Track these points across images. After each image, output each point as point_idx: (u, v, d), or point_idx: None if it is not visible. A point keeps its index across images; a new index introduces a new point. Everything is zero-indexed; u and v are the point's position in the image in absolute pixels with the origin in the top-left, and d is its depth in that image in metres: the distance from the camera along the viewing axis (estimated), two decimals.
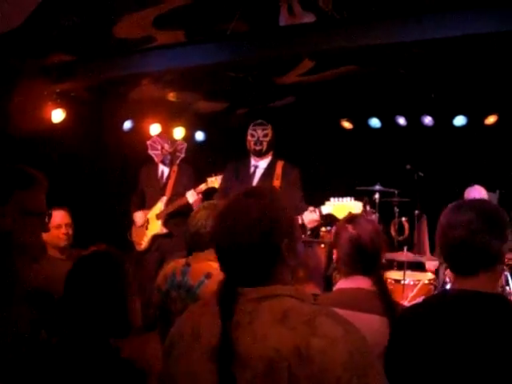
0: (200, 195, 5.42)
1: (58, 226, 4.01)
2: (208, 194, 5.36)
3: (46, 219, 2.08)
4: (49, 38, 4.61)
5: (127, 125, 6.74)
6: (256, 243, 1.42)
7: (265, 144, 4.80)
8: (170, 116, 6.75)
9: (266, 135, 4.80)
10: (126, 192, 6.11)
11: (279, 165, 4.83)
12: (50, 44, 4.76)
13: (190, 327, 1.49)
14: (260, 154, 4.83)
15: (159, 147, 5.89)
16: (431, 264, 5.66)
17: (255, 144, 4.80)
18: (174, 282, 2.73)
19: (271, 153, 4.91)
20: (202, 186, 5.46)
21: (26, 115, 5.21)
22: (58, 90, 5.58)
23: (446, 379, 1.74)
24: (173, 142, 6.07)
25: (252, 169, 4.88)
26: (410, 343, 1.86)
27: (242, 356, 1.34)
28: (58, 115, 5.76)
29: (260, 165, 4.87)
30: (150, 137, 6.17)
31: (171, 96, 6.53)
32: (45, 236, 3.76)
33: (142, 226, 5.79)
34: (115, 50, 4.94)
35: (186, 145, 6.06)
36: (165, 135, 6.18)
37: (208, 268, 2.69)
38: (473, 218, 1.79)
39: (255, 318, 1.37)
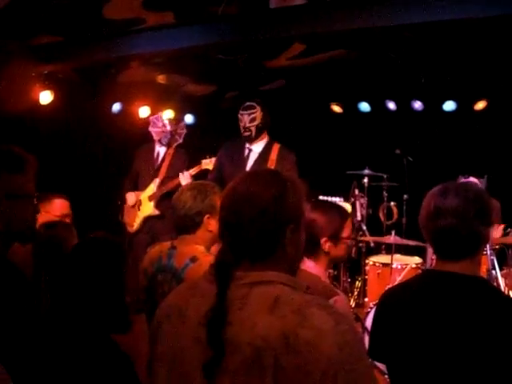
0: (192, 177, 5.41)
1: (62, 216, 3.99)
2: (201, 176, 5.34)
3: (35, 201, 2.06)
4: (37, 19, 4.56)
5: (116, 107, 6.71)
6: (263, 220, 1.40)
7: (253, 129, 4.64)
8: (160, 99, 6.72)
9: (253, 120, 4.62)
10: (114, 174, 6.08)
11: (275, 149, 4.70)
12: (37, 25, 4.71)
13: (177, 308, 1.47)
14: (249, 139, 4.69)
15: (160, 125, 5.85)
16: None
17: (244, 130, 4.66)
18: (160, 264, 2.73)
19: (265, 135, 4.76)
20: (196, 168, 5.44)
21: (13, 97, 5.16)
22: (46, 72, 5.54)
23: (426, 358, 1.77)
24: (175, 123, 6.02)
25: (246, 151, 4.77)
26: (392, 324, 1.89)
27: (231, 341, 1.32)
28: (46, 97, 5.72)
29: (254, 148, 4.75)
30: (139, 119, 6.15)
31: (161, 78, 6.49)
32: (40, 221, 3.76)
33: (134, 206, 5.77)
34: (104, 32, 4.90)
35: (185, 131, 6.02)
36: (168, 115, 6.11)
37: (194, 251, 2.69)
38: (460, 205, 1.79)
39: (246, 303, 1.35)
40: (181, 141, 5.91)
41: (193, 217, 2.75)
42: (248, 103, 4.70)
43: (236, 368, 1.31)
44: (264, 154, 4.71)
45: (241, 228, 1.41)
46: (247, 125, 4.63)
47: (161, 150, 5.85)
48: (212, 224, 2.78)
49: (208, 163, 5.36)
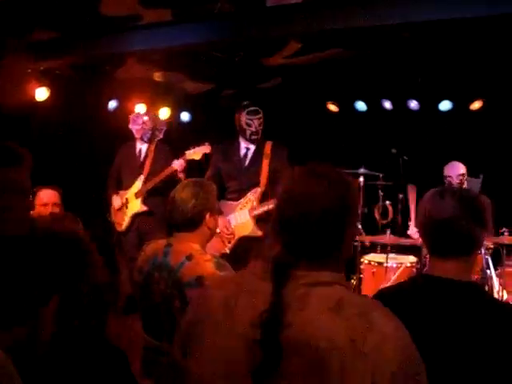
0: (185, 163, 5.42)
1: (45, 205, 3.99)
2: (189, 169, 5.35)
3: (30, 197, 2.06)
4: (33, 15, 4.55)
5: (112, 104, 6.70)
6: (326, 220, 1.37)
7: (260, 132, 4.84)
8: (156, 96, 6.71)
9: (260, 124, 4.82)
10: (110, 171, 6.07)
11: (268, 145, 4.88)
12: (34, 21, 4.70)
13: (224, 305, 1.41)
14: (256, 142, 4.86)
15: (140, 122, 5.87)
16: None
17: (252, 134, 4.81)
18: (156, 263, 2.70)
19: None
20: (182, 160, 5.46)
21: (9, 93, 5.15)
22: (42, 68, 5.53)
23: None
24: (154, 118, 6.05)
25: (243, 150, 4.90)
26: None
27: (290, 342, 1.27)
28: (42, 93, 5.71)
29: (251, 147, 4.90)
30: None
31: (157, 76, 6.49)
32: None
33: (121, 208, 5.78)
34: (101, 28, 4.89)
35: (165, 128, 6.04)
36: (148, 111, 6.14)
37: (189, 249, 2.67)
38: (457, 206, 1.84)
39: (307, 304, 1.30)
40: (161, 136, 5.94)
41: (194, 215, 2.72)
42: (253, 108, 4.85)
43: (294, 371, 1.26)
44: (259, 150, 4.87)
45: (303, 227, 1.37)
46: (257, 128, 4.81)
47: (143, 147, 5.88)
48: (211, 222, 2.78)
49: (192, 154, 5.38)
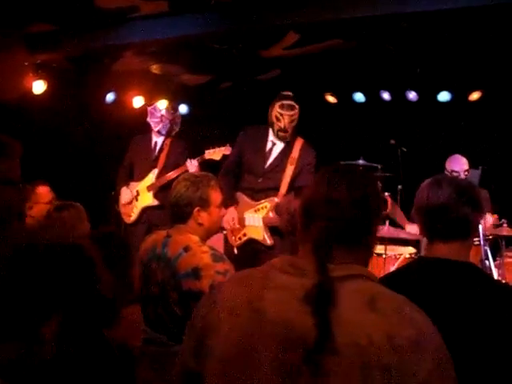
0: (198, 165, 5.38)
1: (49, 203, 4.00)
2: (206, 166, 5.31)
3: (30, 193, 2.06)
4: (29, 8, 4.53)
5: (110, 97, 6.68)
6: (362, 203, 1.39)
7: (290, 130, 4.56)
8: (154, 88, 6.68)
9: (292, 121, 4.54)
10: (108, 164, 6.06)
11: (297, 145, 4.61)
12: (30, 14, 4.68)
13: (246, 301, 1.35)
14: (284, 140, 4.60)
15: (159, 115, 5.83)
16: (413, 228, 5.66)
17: (280, 130, 4.53)
18: (155, 253, 2.72)
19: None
20: (199, 158, 5.43)
21: (6, 86, 5.13)
22: (39, 61, 5.51)
23: None
24: (172, 112, 6.00)
25: (269, 144, 4.68)
26: None
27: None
28: (39, 86, 5.70)
29: (278, 143, 4.67)
30: (132, 109, 6.11)
31: (154, 68, 6.46)
32: (35, 211, 3.76)
33: (130, 203, 5.73)
34: (98, 20, 4.87)
35: (180, 119, 6.02)
36: (166, 104, 6.09)
37: (187, 241, 2.68)
38: (453, 192, 1.91)
39: (340, 298, 1.26)
40: (177, 129, 5.90)
41: (182, 207, 2.74)
42: (288, 102, 4.58)
43: (335, 369, 1.22)
44: (286, 149, 4.65)
45: (342, 205, 1.37)
46: (287, 126, 4.52)
47: (158, 140, 5.81)
48: (202, 217, 2.76)
49: (211, 153, 5.35)
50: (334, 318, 1.24)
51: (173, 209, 2.79)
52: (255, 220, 4.63)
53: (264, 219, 4.59)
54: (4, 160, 1.96)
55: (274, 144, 4.67)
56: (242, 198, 4.69)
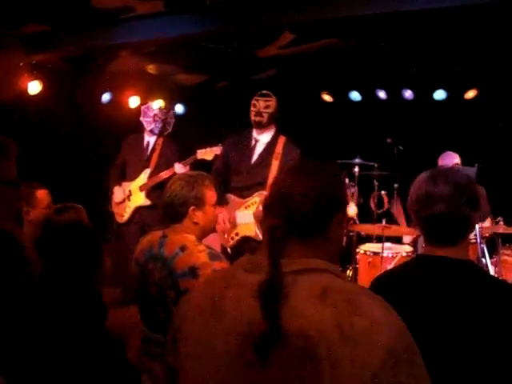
0: (188, 167, 5.38)
1: (47, 207, 4.01)
2: (197, 166, 5.31)
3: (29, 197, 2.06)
4: (24, 8, 4.52)
5: (106, 97, 6.67)
6: (317, 196, 1.40)
7: (265, 116, 4.64)
8: (150, 88, 6.68)
9: (267, 107, 4.65)
10: (104, 164, 6.05)
11: (280, 141, 4.70)
12: (25, 14, 4.67)
13: (210, 300, 1.41)
14: (260, 126, 4.68)
15: (152, 114, 5.83)
16: (407, 238, 5.72)
17: (255, 115, 4.64)
18: (151, 253, 2.72)
19: (273, 126, 4.76)
20: (190, 159, 5.43)
21: (1, 87, 5.12)
22: (34, 62, 5.50)
23: (421, 343, 1.77)
24: (165, 111, 6.00)
25: (253, 142, 4.75)
26: None
27: (280, 333, 1.26)
28: (34, 87, 5.68)
29: (261, 139, 4.73)
30: (128, 109, 6.10)
31: (150, 68, 6.46)
32: (33, 216, 3.76)
33: (123, 202, 5.74)
34: (93, 21, 4.86)
35: (173, 120, 6.02)
36: (158, 104, 6.09)
37: (184, 240, 2.68)
38: (452, 192, 1.84)
39: (292, 292, 1.29)
40: (170, 129, 5.90)
41: (178, 207, 2.75)
42: (264, 91, 4.73)
43: (287, 361, 1.25)
44: (270, 146, 4.70)
45: (294, 200, 1.39)
46: (261, 110, 4.64)
47: (151, 140, 5.81)
48: (198, 216, 2.76)
49: (204, 153, 5.35)
50: (285, 311, 1.26)
51: (168, 209, 2.79)
52: (246, 217, 4.66)
53: (255, 214, 4.62)
54: (2, 160, 1.97)
55: (257, 141, 4.73)
56: (232, 198, 4.71)
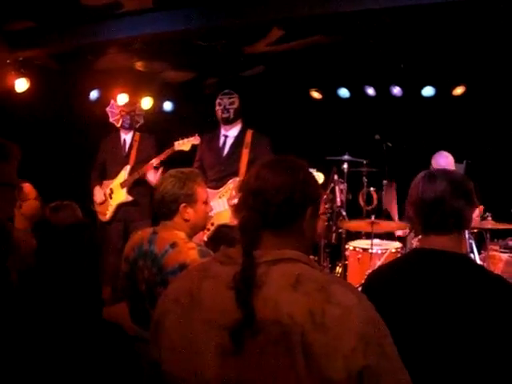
0: (160, 170, 5.37)
1: (36, 198, 4.01)
2: (177, 159, 5.30)
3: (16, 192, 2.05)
4: (10, 4, 4.48)
5: (94, 94, 6.64)
6: (289, 190, 1.44)
7: (231, 111, 4.91)
8: (138, 85, 6.65)
9: (232, 103, 4.92)
10: (92, 162, 6.03)
11: (248, 134, 4.91)
12: (12, 10, 4.63)
13: (188, 292, 1.45)
14: (227, 122, 4.92)
15: (117, 111, 5.86)
16: (400, 232, 5.73)
17: (222, 112, 4.91)
18: (141, 250, 2.72)
19: (240, 121, 4.99)
20: (167, 152, 5.46)
21: None
22: (21, 59, 5.45)
23: (416, 336, 1.82)
24: (130, 104, 6.03)
25: (222, 139, 4.96)
26: (381, 303, 1.90)
27: (255, 321, 1.31)
28: (21, 84, 5.63)
29: (230, 134, 4.95)
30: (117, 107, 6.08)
31: (139, 65, 6.42)
32: (25, 209, 3.76)
33: (104, 201, 5.74)
34: (81, 17, 4.83)
35: (143, 112, 6.08)
36: (121, 100, 6.10)
37: (174, 237, 2.68)
38: (448, 187, 1.94)
39: (266, 281, 1.34)
40: (142, 121, 5.95)
41: (169, 203, 2.75)
42: (227, 90, 5.00)
43: (262, 348, 1.30)
44: (239, 138, 4.92)
45: (267, 194, 1.43)
46: (227, 106, 4.91)
47: (127, 138, 5.87)
48: (189, 213, 2.77)
49: (181, 144, 5.38)
50: (259, 300, 1.32)
51: (159, 205, 2.79)
52: (220, 204, 4.79)
53: (228, 200, 4.75)
54: (3, 162, 1.96)
55: (226, 137, 4.97)
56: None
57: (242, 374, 1.32)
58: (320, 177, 4.46)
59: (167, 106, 7.47)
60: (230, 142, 4.94)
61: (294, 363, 1.26)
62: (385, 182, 6.04)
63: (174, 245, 2.63)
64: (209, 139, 5.09)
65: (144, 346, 2.63)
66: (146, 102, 6.68)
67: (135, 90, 6.59)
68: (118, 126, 5.87)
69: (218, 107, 4.96)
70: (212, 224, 4.76)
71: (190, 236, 2.79)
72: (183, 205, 2.74)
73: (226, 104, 4.92)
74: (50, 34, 5.08)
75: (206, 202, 2.85)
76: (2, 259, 1.88)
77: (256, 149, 4.80)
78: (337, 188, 5.92)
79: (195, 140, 5.31)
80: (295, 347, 1.26)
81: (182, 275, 1.60)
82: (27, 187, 3.99)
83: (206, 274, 1.46)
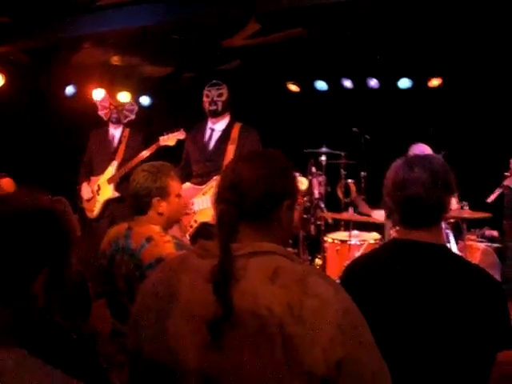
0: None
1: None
2: (162, 154, 5.28)
3: None
4: None
5: (70, 90, 6.59)
6: (267, 182, 1.45)
7: (219, 104, 4.74)
8: (114, 80, 6.60)
9: (220, 95, 4.74)
10: (69, 158, 5.98)
11: (236, 128, 4.76)
12: None
13: (166, 285, 1.45)
14: (215, 114, 4.75)
15: (107, 104, 5.80)
16: (378, 214, 5.71)
17: (209, 104, 4.74)
18: (118, 245, 2.71)
19: (228, 114, 4.84)
20: (152, 147, 5.42)
21: None
22: None
23: (395, 326, 1.82)
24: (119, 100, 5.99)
25: (208, 132, 4.81)
26: (359, 293, 1.91)
27: (233, 314, 1.31)
28: None
29: (216, 127, 4.80)
30: (93, 102, 6.04)
31: (115, 60, 6.38)
32: None
33: (91, 198, 5.69)
34: (56, 12, 4.78)
35: (136, 108, 5.98)
36: (97, 95, 6.05)
37: (149, 231, 2.68)
38: (428, 177, 1.88)
39: (245, 274, 1.34)
40: (133, 117, 5.87)
41: (141, 197, 2.74)
42: (215, 81, 4.82)
43: (241, 341, 1.30)
44: (226, 132, 4.76)
45: (243, 187, 1.44)
46: (215, 99, 4.73)
47: (116, 133, 5.79)
48: (162, 207, 2.76)
49: (166, 139, 5.34)
50: (237, 293, 1.32)
51: (133, 200, 2.78)
52: (204, 202, 4.69)
53: (212, 197, 4.61)
54: None
55: (213, 130, 4.81)
56: (189, 186, 4.70)
57: (222, 367, 1.32)
58: (304, 182, 4.44)
59: (144, 100, 7.43)
60: (216, 136, 4.78)
61: (272, 355, 1.27)
62: (363, 174, 6.07)
63: (149, 239, 2.63)
64: (194, 133, 4.95)
65: (123, 340, 2.64)
66: (123, 97, 6.64)
67: (111, 84, 6.55)
68: (106, 119, 5.79)
69: (205, 99, 4.78)
70: (195, 221, 4.70)
71: (166, 229, 2.78)
72: (156, 198, 2.74)
73: (213, 96, 4.73)
74: (25, 29, 5.03)
75: (179, 195, 2.85)
76: None
77: (244, 143, 4.66)
78: (315, 180, 5.94)
79: (180, 134, 5.26)
80: (274, 340, 1.27)
81: (160, 268, 1.59)
82: (6, 182, 3.95)
83: (184, 267, 1.46)
